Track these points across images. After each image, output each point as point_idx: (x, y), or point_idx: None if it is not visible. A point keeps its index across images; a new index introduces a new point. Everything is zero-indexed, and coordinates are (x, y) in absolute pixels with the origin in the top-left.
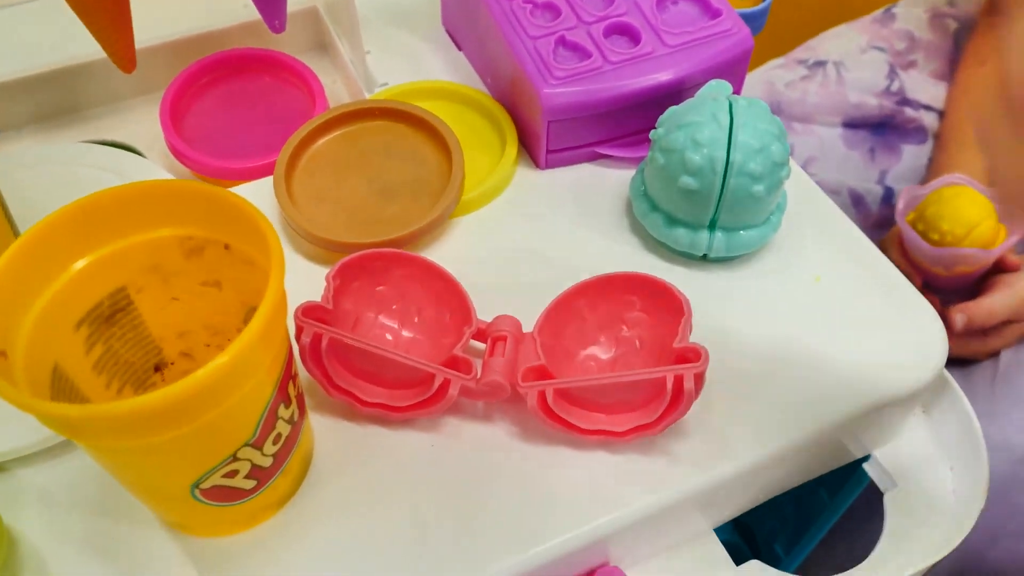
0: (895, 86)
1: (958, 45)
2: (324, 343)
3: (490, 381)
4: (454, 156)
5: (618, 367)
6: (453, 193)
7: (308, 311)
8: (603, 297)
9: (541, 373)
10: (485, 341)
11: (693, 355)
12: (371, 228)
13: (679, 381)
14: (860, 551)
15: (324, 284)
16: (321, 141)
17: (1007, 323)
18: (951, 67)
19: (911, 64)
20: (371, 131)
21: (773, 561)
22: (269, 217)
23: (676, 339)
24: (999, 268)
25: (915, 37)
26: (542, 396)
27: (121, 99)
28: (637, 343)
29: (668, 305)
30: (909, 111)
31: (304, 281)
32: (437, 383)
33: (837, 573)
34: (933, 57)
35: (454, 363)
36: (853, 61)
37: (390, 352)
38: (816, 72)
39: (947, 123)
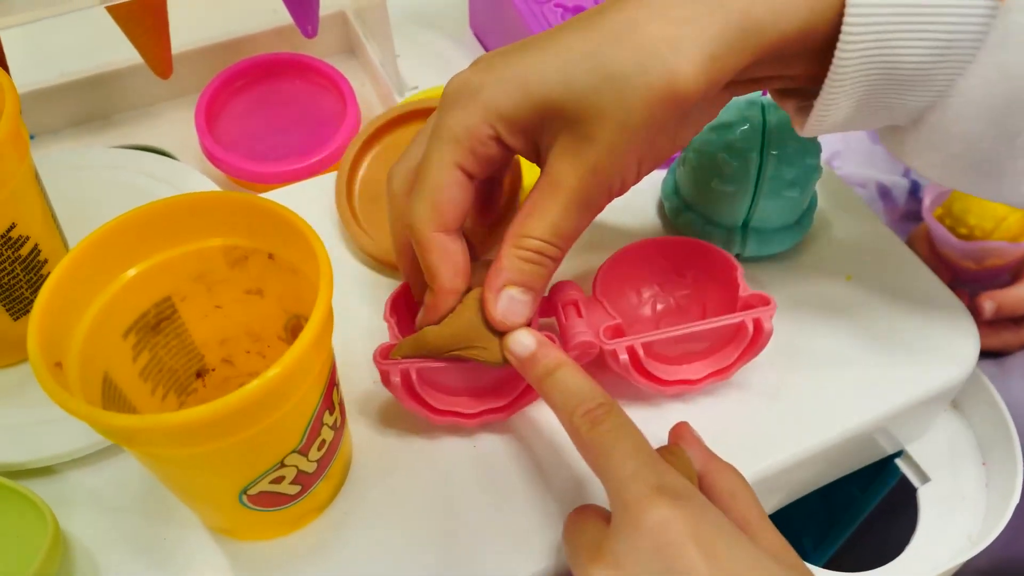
0: None
1: None
2: (414, 376)
3: (581, 342)
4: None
5: (670, 324)
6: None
7: (385, 352)
8: (648, 260)
9: (618, 332)
10: (552, 315)
11: (761, 301)
12: None
13: (757, 324)
14: (892, 546)
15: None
16: (375, 150)
17: None
18: None
19: None
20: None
21: (802, 555)
22: (322, 216)
23: (740, 289)
24: None
25: None
26: (632, 352)
27: (153, 104)
28: (685, 301)
29: (714, 264)
30: None
31: (365, 285)
32: None
33: (868, 568)
34: None
35: None
36: None
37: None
38: None
39: None
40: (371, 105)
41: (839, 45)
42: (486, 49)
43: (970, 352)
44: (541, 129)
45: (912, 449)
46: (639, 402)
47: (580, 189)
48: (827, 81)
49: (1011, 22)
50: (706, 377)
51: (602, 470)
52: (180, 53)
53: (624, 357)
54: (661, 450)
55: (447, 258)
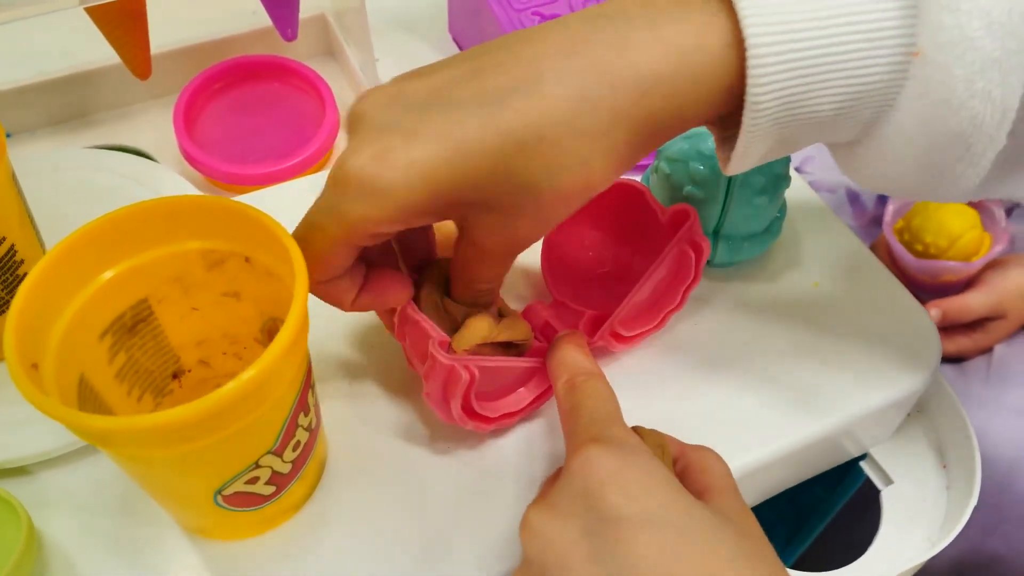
0: None
1: None
2: (476, 372)
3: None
4: None
5: (624, 278)
6: None
7: (445, 344)
8: (580, 233)
9: (592, 321)
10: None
11: (682, 216)
12: None
13: (695, 246)
14: (855, 547)
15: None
16: None
17: (993, 319)
18: None
19: None
20: None
21: None
22: (300, 218)
23: (661, 212)
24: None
25: None
26: (615, 334)
27: (131, 104)
28: (629, 251)
29: (629, 201)
30: None
31: None
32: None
33: (835, 568)
34: None
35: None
36: None
37: (521, 361)
38: None
39: None
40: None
41: (745, 115)
42: None
43: (932, 358)
44: (451, 213)
45: (876, 452)
46: None
47: (507, 251)
48: (739, 139)
49: (928, 77)
50: (663, 320)
51: (564, 429)
52: (159, 54)
53: (613, 342)
54: (637, 428)
55: (333, 295)
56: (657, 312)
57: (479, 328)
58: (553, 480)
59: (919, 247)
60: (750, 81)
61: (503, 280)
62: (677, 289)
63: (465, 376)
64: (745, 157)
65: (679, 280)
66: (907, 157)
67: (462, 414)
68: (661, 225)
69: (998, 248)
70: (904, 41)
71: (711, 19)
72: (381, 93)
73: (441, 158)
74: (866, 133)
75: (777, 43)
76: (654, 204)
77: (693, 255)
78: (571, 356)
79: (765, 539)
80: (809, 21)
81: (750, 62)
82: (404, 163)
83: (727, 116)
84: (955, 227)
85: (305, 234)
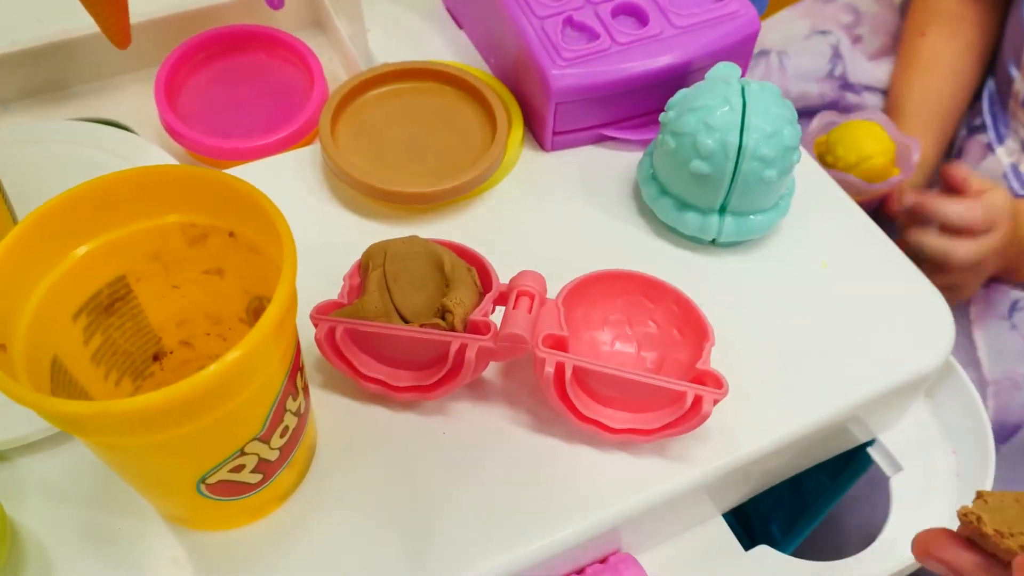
0: (838, 70)
1: (903, 17)
2: (338, 334)
3: (510, 334)
4: (499, 122)
5: (629, 365)
6: (494, 156)
7: (323, 309)
8: (626, 293)
9: (560, 344)
10: (506, 303)
11: (713, 381)
12: (404, 179)
13: (698, 400)
14: (867, 532)
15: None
16: (370, 94)
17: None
18: (895, 41)
19: (857, 39)
20: (420, 92)
21: (769, 543)
22: (288, 193)
23: (700, 360)
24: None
25: (859, 11)
26: (560, 369)
27: (111, 75)
28: (651, 347)
29: (692, 323)
30: (851, 96)
31: (331, 266)
32: (453, 351)
33: (843, 556)
34: (878, 31)
35: (473, 327)
36: (796, 48)
37: (404, 330)
38: (759, 62)
39: (890, 99)
40: (339, 81)
41: None
42: (459, 25)
43: (945, 340)
44: None
45: (885, 438)
46: None
47: None
48: None
49: None
50: (624, 431)
51: None
52: (139, 23)
53: (549, 371)
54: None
55: None
56: (638, 408)
57: (360, 307)
58: None
59: (830, 159)
60: None
61: None
62: (656, 412)
63: (320, 334)
64: None
65: (664, 408)
66: None
67: (336, 361)
68: (691, 369)
69: (900, 176)
70: None
71: None
72: None
73: None
74: None
75: None
76: (707, 351)
77: (688, 404)
78: None
79: None
80: None
81: None
82: None
83: None
84: (866, 147)
85: None
